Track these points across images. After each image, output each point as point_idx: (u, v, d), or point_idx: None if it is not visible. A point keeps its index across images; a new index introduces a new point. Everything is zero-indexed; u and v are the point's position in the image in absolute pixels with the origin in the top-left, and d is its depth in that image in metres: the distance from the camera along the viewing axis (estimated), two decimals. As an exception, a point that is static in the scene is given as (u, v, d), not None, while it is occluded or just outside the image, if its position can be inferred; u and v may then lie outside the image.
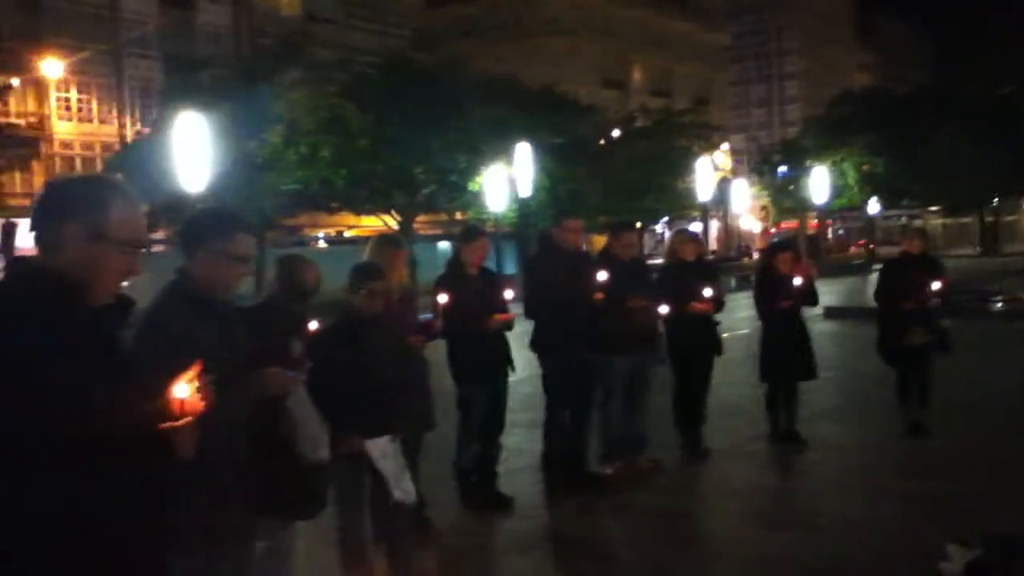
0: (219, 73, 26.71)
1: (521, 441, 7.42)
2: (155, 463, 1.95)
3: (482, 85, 28.89)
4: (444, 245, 28.74)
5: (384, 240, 5.64)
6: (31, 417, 1.74)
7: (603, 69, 57.06)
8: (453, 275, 5.93)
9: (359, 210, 30.40)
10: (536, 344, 6.50)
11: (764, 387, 7.70)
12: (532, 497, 6.32)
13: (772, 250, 8.07)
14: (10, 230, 22.64)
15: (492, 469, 6.20)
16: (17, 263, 2.07)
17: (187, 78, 26.20)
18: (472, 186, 27.85)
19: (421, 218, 31.24)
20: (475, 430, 6.03)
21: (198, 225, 2.89)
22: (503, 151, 26.24)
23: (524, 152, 25.75)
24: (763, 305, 7.56)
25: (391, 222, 28.82)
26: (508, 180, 26.60)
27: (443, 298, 5.44)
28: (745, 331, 13.57)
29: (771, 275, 7.50)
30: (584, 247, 7.31)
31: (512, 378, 6.19)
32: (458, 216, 30.82)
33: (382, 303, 4.35)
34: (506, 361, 6.07)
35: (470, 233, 6.27)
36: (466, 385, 5.98)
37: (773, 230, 48.91)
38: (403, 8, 48.69)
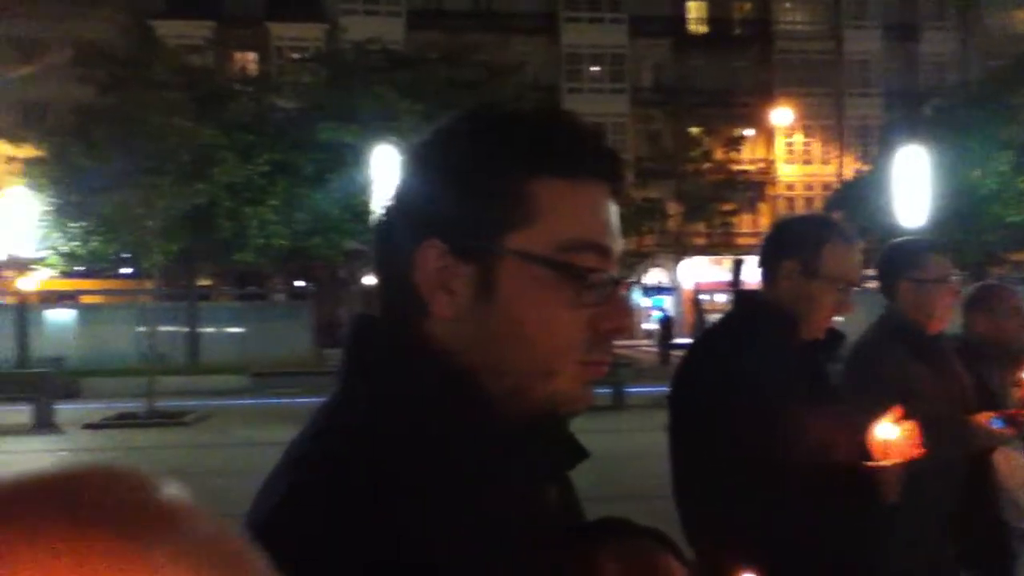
0: (942, 103, 25.66)
1: None
2: (856, 500, 1.97)
3: None
4: None
5: None
6: (749, 437, 1.92)
7: None
8: None
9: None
10: None
11: None
12: None
13: None
14: (739, 266, 25.27)
15: None
16: (742, 296, 2.32)
17: (908, 112, 25.75)
18: None
19: None
20: None
21: (888, 259, 2.84)
22: None
23: None
24: None
25: None
26: None
27: None
28: None
29: None
30: None
31: None
32: None
33: None
34: None
35: None
36: None
37: None
38: None
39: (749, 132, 35.65)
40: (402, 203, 0.86)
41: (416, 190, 0.85)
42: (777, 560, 1.58)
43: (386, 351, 0.84)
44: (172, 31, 32.14)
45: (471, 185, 0.83)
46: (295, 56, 32.02)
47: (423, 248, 0.82)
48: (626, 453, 9.08)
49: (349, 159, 21.27)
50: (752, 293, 2.24)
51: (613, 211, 0.87)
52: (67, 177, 20.55)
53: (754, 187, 35.69)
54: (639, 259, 32.96)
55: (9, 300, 23.79)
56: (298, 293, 29.51)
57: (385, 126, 20.32)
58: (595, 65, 37.47)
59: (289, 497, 0.74)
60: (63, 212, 21.05)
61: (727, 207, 32.83)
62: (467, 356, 0.82)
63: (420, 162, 0.86)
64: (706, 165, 32.27)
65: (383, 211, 0.87)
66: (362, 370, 0.85)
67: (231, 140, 21.55)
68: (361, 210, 19.52)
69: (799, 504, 1.88)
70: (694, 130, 34.02)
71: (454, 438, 0.78)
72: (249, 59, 35.26)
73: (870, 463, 1.93)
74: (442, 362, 0.82)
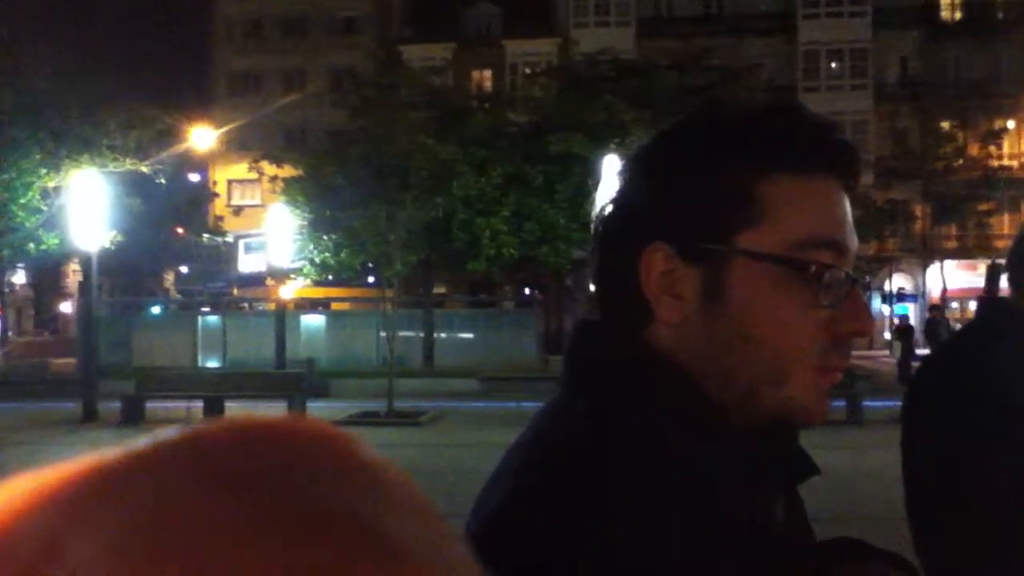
0: None
1: None
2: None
3: None
4: None
5: None
6: (991, 458, 1.76)
7: None
8: None
9: None
10: None
11: None
12: None
13: None
14: (995, 271, 22.95)
15: None
16: (987, 302, 2.13)
17: None
18: None
19: None
20: None
21: None
22: None
23: None
24: None
25: None
26: None
27: None
28: None
29: None
30: None
31: None
32: None
33: None
34: None
35: None
36: None
37: None
38: None
39: (1011, 124, 32.41)
40: (624, 208, 0.84)
41: (640, 194, 0.83)
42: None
43: (609, 358, 0.82)
44: (417, 54, 34.23)
45: (697, 185, 0.81)
46: (528, 71, 33.03)
47: (648, 252, 0.80)
48: (863, 471, 8.57)
49: (577, 169, 21.61)
50: (999, 299, 2.05)
51: (847, 206, 0.83)
52: (321, 194, 22.46)
53: (1016, 184, 32.41)
54: (881, 264, 30.94)
55: (270, 307, 26.29)
56: (526, 301, 30.35)
57: (612, 135, 20.46)
58: (834, 61, 35.68)
59: (508, 503, 0.73)
60: (317, 226, 22.99)
61: (983, 207, 30.08)
62: (694, 363, 0.79)
63: (643, 165, 0.85)
64: (959, 162, 29.73)
65: (603, 217, 0.86)
66: (584, 377, 0.83)
67: (467, 155, 22.59)
68: (588, 220, 19.80)
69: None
70: (945, 125, 31.49)
71: (679, 448, 0.75)
72: (486, 76, 36.80)
73: None
74: (667, 369, 0.79)
